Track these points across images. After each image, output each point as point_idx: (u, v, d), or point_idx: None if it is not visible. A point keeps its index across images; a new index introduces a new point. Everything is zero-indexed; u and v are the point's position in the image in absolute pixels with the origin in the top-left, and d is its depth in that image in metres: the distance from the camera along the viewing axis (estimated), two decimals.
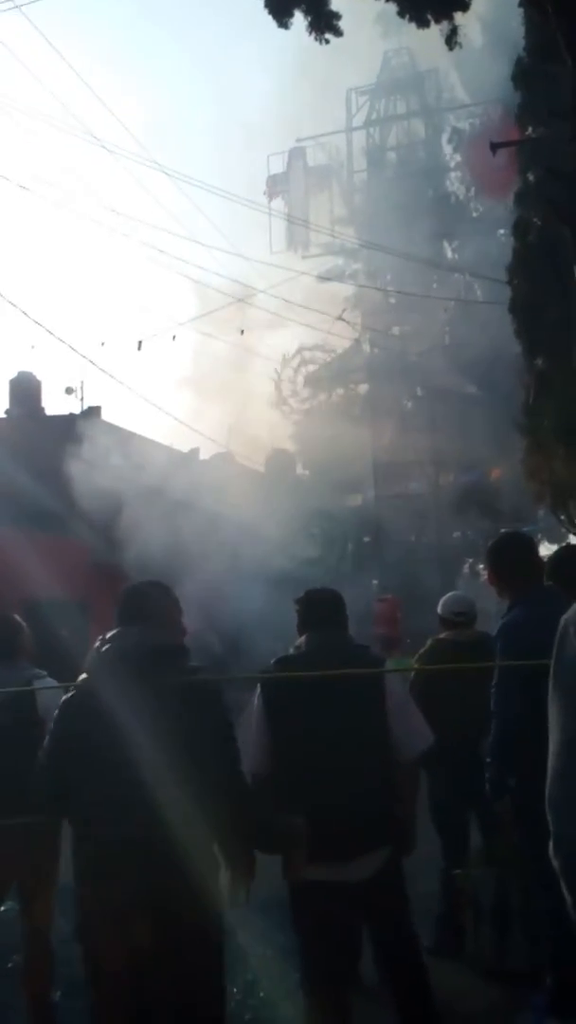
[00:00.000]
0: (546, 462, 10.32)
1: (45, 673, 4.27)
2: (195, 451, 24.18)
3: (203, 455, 24.50)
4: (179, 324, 26.78)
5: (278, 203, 32.73)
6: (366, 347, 29.67)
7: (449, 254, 29.92)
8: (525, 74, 10.75)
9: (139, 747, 2.92)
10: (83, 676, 3.22)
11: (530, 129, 10.86)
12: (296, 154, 33.13)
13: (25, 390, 22.65)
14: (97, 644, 3.22)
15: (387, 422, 28.30)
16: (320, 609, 3.89)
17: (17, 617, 4.50)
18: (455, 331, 28.31)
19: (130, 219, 61.12)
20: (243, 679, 4.55)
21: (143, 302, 52.00)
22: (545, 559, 4.71)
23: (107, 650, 3.17)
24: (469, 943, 4.81)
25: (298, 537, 19.59)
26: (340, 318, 27.08)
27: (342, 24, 4.22)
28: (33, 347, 42.70)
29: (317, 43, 3.30)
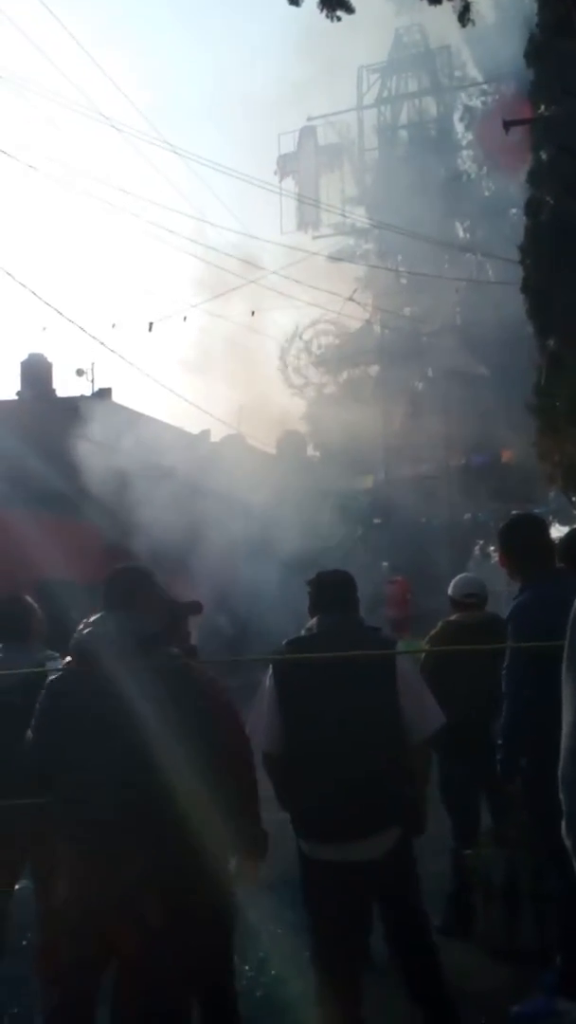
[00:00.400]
0: (558, 443, 10.28)
1: (58, 655, 4.29)
2: (206, 432, 24.18)
3: (214, 437, 24.50)
4: (190, 305, 26.65)
5: (289, 183, 32.57)
6: (377, 328, 29.53)
7: (461, 234, 29.72)
8: (538, 51, 10.63)
9: (122, 730, 2.94)
10: (67, 660, 3.24)
11: (543, 107, 10.76)
12: (307, 133, 32.93)
13: (36, 372, 22.67)
14: (80, 628, 3.24)
15: (398, 403, 28.23)
16: (331, 591, 3.90)
17: (29, 599, 4.52)
18: (466, 312, 28.17)
19: (140, 199, 60.90)
20: (254, 660, 4.57)
21: (153, 283, 51.94)
22: (556, 541, 4.70)
23: (88, 634, 3.20)
24: (479, 923, 4.84)
25: (309, 519, 19.60)
26: (351, 299, 26.98)
27: (353, 1, 4.18)
28: (44, 329, 42.51)
29: (328, 20, 3.27)
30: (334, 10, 3.13)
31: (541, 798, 2.91)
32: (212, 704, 3.39)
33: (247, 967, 4.48)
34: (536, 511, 15.99)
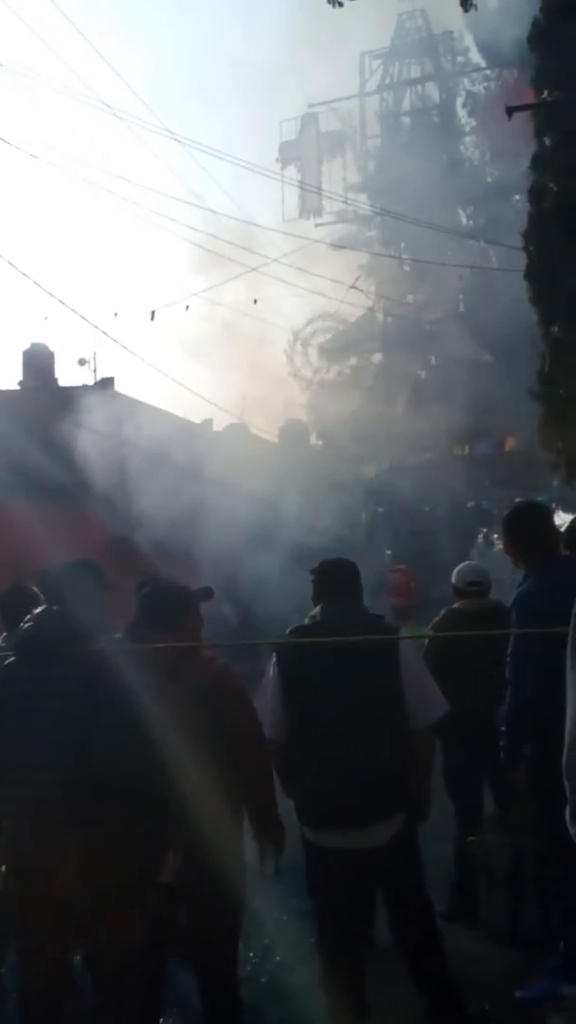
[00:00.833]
0: (561, 431, 10.25)
1: None
2: (208, 422, 24.15)
3: (217, 426, 24.47)
4: (192, 294, 26.61)
5: (291, 170, 32.41)
6: (380, 316, 29.44)
7: (464, 220, 29.57)
8: (541, 36, 10.55)
9: (49, 719, 2.93)
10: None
11: (546, 92, 10.69)
12: (309, 120, 32.73)
13: (38, 362, 22.63)
14: (23, 623, 3.24)
15: (401, 392, 28.16)
16: (335, 579, 3.90)
17: (34, 588, 4.53)
18: (470, 299, 28.05)
19: (141, 187, 60.72)
20: (257, 644, 4.58)
21: (155, 272, 51.80)
22: (560, 529, 4.70)
23: (16, 633, 3.22)
24: (483, 909, 4.86)
25: (312, 507, 19.58)
26: (354, 286, 26.88)
27: None
28: (46, 318, 42.44)
29: (330, 6, 3.25)
30: None
31: (545, 784, 2.92)
32: (221, 693, 3.39)
33: (251, 954, 4.50)
34: (540, 499, 15.97)
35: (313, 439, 29.24)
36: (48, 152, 65.13)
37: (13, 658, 3.16)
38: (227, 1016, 3.41)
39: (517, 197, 22.04)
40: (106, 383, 21.50)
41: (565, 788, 1.90)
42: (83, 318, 25.91)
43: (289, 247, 25.36)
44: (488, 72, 30.36)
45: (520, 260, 11.50)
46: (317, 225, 31.33)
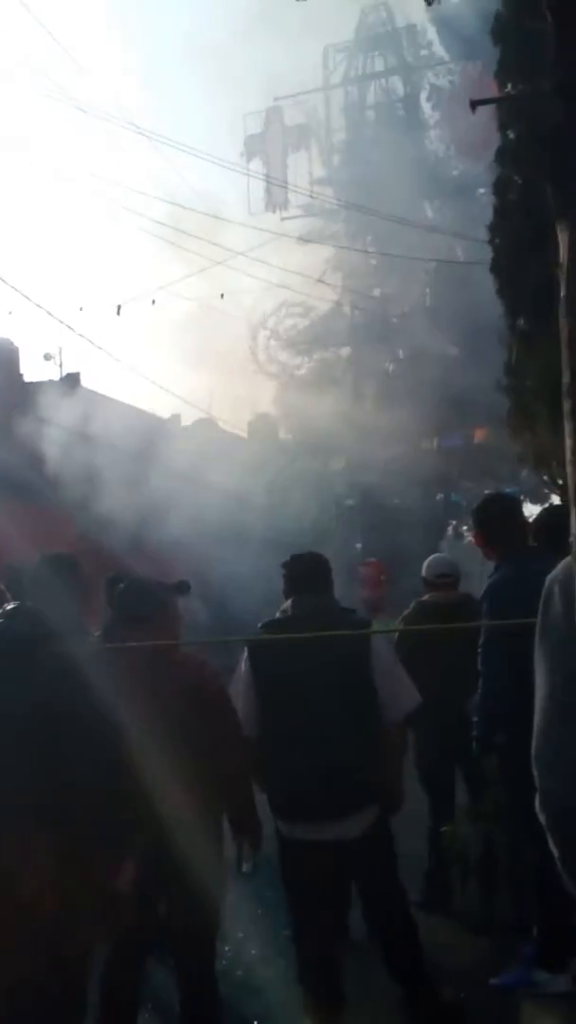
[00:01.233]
0: (529, 423, 10.31)
1: None
2: (176, 417, 24.07)
3: (185, 421, 24.39)
4: (158, 288, 26.49)
5: (256, 164, 32.35)
6: (347, 310, 29.49)
7: (430, 214, 29.66)
8: (504, 30, 10.59)
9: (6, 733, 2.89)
10: None
11: (509, 86, 10.73)
12: (274, 114, 32.68)
13: (3, 357, 22.42)
14: None
15: (369, 385, 28.24)
16: (305, 573, 3.91)
17: (1, 585, 4.50)
18: (436, 292, 28.16)
19: (106, 180, 60.29)
20: (228, 641, 4.57)
21: (122, 266, 51.44)
22: (529, 520, 4.74)
23: None
24: (456, 898, 4.90)
25: (282, 502, 19.59)
26: (321, 280, 26.90)
27: None
28: (11, 313, 41.96)
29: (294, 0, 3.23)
30: None
31: (516, 774, 2.94)
32: (201, 691, 3.38)
33: (227, 947, 4.51)
34: (508, 491, 16.08)
35: (282, 433, 29.25)
36: (11, 145, 64.42)
37: None
38: (205, 1010, 3.42)
39: (482, 190, 22.15)
40: (72, 379, 21.36)
41: (534, 776, 1.92)
42: (48, 313, 25.71)
43: (256, 241, 25.34)
44: (451, 65, 30.45)
45: (486, 253, 11.55)
46: (283, 219, 31.32)
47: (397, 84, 32.75)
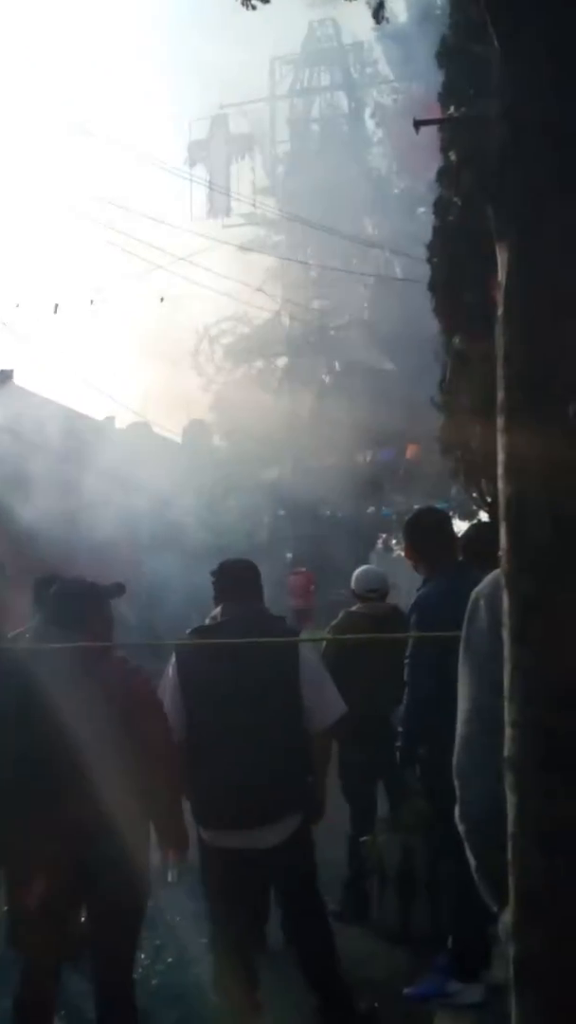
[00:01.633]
0: (461, 439, 10.47)
1: None
2: (110, 419, 23.86)
3: (119, 424, 24.18)
4: (97, 289, 26.23)
5: (199, 170, 32.30)
6: (285, 320, 29.60)
7: (370, 230, 29.96)
8: (450, 53, 10.78)
9: None
10: None
11: (452, 108, 10.92)
12: (219, 121, 32.69)
13: None
14: None
15: (305, 396, 28.37)
16: (235, 580, 3.91)
17: None
18: (374, 307, 28.44)
19: (47, 178, 59.40)
20: (155, 646, 4.54)
21: (60, 265, 50.79)
22: (458, 535, 4.81)
23: None
24: (374, 908, 4.93)
25: (214, 508, 19.53)
26: (260, 290, 26.97)
27: None
28: None
29: (244, 8, 3.26)
30: None
31: (438, 785, 2.98)
32: (132, 696, 3.34)
33: (143, 955, 4.46)
34: (438, 505, 16.29)
35: (217, 440, 29.19)
36: None
37: None
38: (121, 1018, 3.38)
39: (422, 209, 22.43)
40: (4, 375, 21.02)
41: (455, 787, 1.95)
42: None
43: (196, 247, 25.30)
44: (396, 84, 30.85)
45: (424, 271, 11.71)
46: (225, 226, 31.31)
47: (342, 99, 33.05)
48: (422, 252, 11.91)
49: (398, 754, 4.28)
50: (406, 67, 26.81)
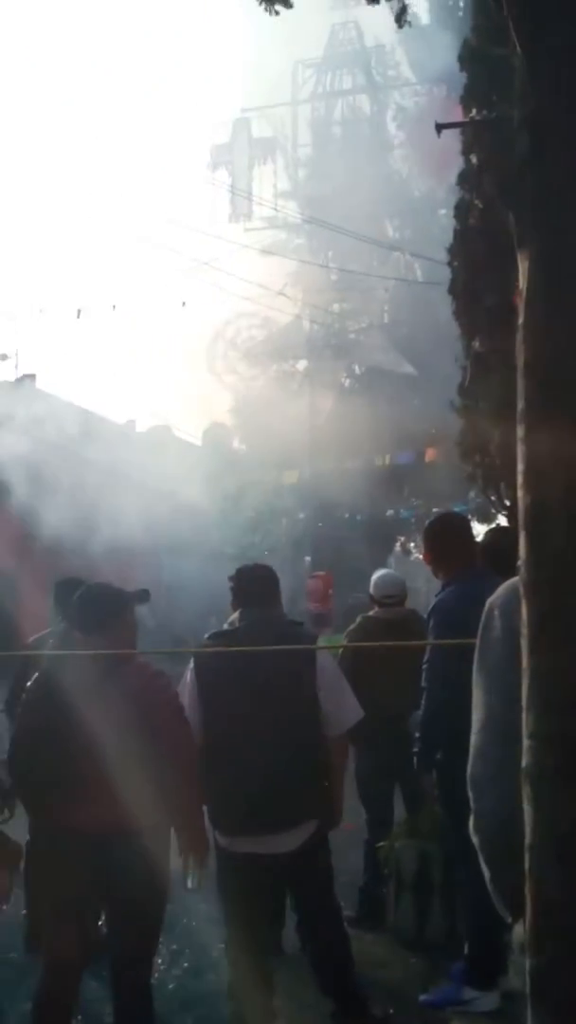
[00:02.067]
0: (480, 444, 10.42)
1: None
2: (131, 423, 23.98)
3: (140, 427, 24.29)
4: (120, 293, 26.38)
5: (221, 174, 32.41)
6: (306, 323, 29.62)
7: (391, 233, 29.95)
8: (472, 56, 10.73)
9: None
10: None
11: (474, 111, 10.87)
12: (240, 125, 32.77)
13: None
14: None
15: (325, 399, 28.37)
16: (253, 585, 3.90)
17: None
18: (394, 310, 28.42)
19: (71, 184, 59.74)
20: (173, 652, 4.54)
21: (84, 270, 51.10)
22: (476, 539, 4.78)
23: None
24: (389, 914, 4.91)
25: (234, 512, 19.58)
26: (281, 293, 27.00)
27: None
28: None
29: (267, 14, 3.25)
30: (273, 4, 3.11)
31: (453, 792, 2.96)
32: (153, 701, 3.34)
33: (159, 960, 4.47)
34: (457, 509, 16.23)
35: (237, 443, 29.24)
36: None
37: None
38: (138, 1022, 3.38)
39: (443, 212, 22.42)
40: (26, 379, 21.16)
41: (469, 796, 1.93)
42: (5, 313, 25.45)
43: (218, 250, 25.36)
44: (418, 87, 30.82)
45: (444, 274, 11.67)
46: (247, 230, 31.37)
47: (364, 103, 33.05)
48: (443, 255, 11.88)
49: (415, 760, 4.26)
50: (428, 69, 26.77)
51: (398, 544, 30.50)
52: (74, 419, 18.25)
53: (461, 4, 21.36)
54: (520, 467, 1.47)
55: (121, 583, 3.73)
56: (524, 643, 1.50)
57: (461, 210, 11.07)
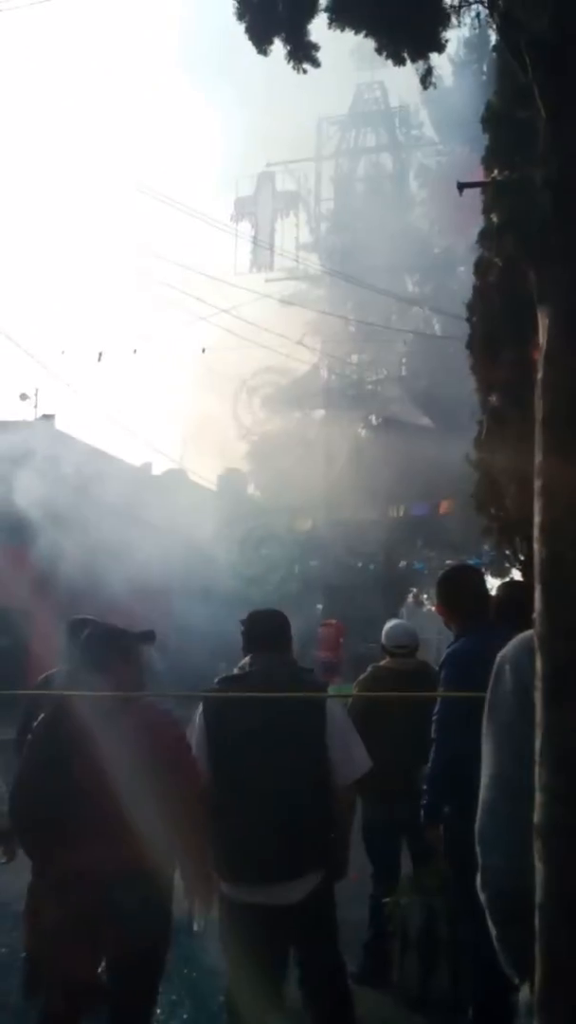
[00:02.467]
0: (495, 497, 10.43)
1: None
2: (147, 465, 24.12)
3: (156, 470, 24.43)
4: (141, 338, 26.76)
5: (245, 225, 32.98)
6: (324, 373, 29.87)
7: (410, 287, 30.28)
8: (495, 118, 10.93)
9: None
10: None
11: (496, 172, 11.04)
12: (265, 178, 33.41)
13: None
14: None
15: (341, 448, 28.48)
16: (264, 630, 3.90)
17: None
18: (412, 363, 28.64)
19: (95, 231, 60.85)
20: (186, 697, 4.53)
21: (106, 314, 51.80)
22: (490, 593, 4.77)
23: None
24: (394, 971, 4.82)
25: (247, 557, 19.57)
26: (300, 343, 27.28)
27: (319, 55, 4.25)
28: None
29: (295, 72, 3.34)
30: (301, 63, 3.19)
31: (460, 846, 2.93)
32: (160, 742, 3.33)
33: (159, 1011, 4.39)
34: (471, 562, 16.20)
35: (251, 489, 29.33)
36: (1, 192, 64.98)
37: None
38: None
39: (462, 268, 22.68)
40: (46, 419, 21.35)
41: (477, 853, 1.91)
42: (27, 353, 25.80)
43: (239, 299, 25.70)
44: (440, 147, 31.38)
45: (462, 329, 11.78)
46: (267, 280, 31.80)
47: (387, 160, 33.66)
48: (461, 311, 11.99)
49: (422, 812, 4.21)
50: (451, 129, 27.26)
51: (411, 595, 30.40)
52: (93, 460, 18.39)
53: (484, 68, 21.83)
54: (536, 519, 1.48)
55: (131, 624, 3.74)
56: (538, 696, 1.50)
57: (481, 267, 11.19)
